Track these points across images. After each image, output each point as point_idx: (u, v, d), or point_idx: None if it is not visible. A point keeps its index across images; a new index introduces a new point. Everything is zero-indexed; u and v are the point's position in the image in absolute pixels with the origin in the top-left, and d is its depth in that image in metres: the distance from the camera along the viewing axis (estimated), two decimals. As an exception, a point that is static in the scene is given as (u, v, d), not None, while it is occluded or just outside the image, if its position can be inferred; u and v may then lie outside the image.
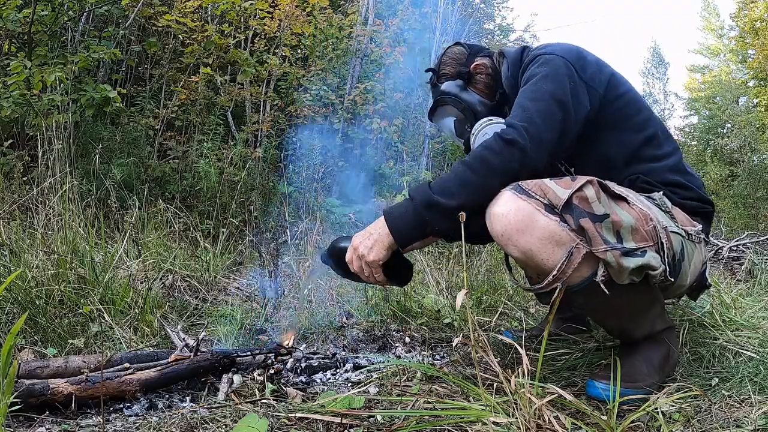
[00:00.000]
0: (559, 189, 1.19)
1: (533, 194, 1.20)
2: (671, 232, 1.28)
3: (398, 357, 1.69)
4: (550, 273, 1.19)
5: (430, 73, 1.70)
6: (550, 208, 1.18)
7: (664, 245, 1.24)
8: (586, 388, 1.34)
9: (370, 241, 1.32)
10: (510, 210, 1.20)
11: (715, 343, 1.53)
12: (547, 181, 1.22)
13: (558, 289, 1.15)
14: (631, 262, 1.16)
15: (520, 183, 1.23)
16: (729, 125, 15.51)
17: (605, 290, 1.17)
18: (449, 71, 1.66)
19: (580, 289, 1.20)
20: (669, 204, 1.37)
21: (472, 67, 1.63)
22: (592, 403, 1.29)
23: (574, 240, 1.17)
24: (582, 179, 1.21)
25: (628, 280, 1.18)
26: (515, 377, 1.01)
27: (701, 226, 1.42)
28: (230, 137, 5.33)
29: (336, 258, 1.44)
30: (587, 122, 1.40)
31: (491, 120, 1.50)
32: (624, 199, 1.26)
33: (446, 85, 1.64)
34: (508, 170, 1.26)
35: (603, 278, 1.17)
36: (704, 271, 1.46)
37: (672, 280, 1.27)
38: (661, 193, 1.38)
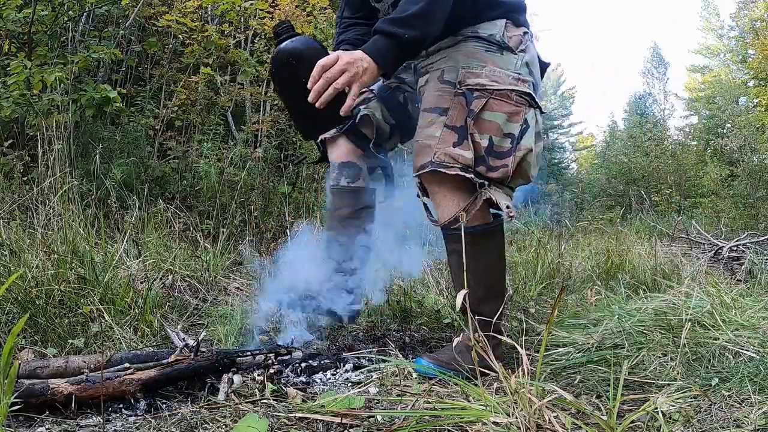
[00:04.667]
0: (466, 152, 1.41)
1: (450, 165, 1.41)
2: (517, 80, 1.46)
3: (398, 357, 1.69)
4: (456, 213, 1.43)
5: None
6: (465, 168, 1.41)
7: (531, 94, 1.46)
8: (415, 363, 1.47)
9: (362, 64, 1.29)
10: (447, 206, 1.46)
11: (715, 343, 1.53)
12: (450, 149, 1.42)
13: (561, 289, 1.17)
14: (530, 140, 1.44)
15: (435, 163, 1.42)
16: (729, 125, 15.47)
17: (511, 216, 1.42)
18: None
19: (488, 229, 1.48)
20: (507, 33, 1.48)
21: None
22: (592, 403, 1.29)
23: (478, 187, 1.43)
24: (470, 137, 1.42)
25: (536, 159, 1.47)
26: (515, 377, 1.01)
27: (524, 28, 1.54)
28: (230, 137, 5.33)
29: (306, 58, 1.26)
30: None
31: None
32: (494, 98, 1.43)
33: None
34: None
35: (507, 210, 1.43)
36: (537, 58, 1.57)
37: (544, 112, 1.55)
38: (504, 21, 1.49)
